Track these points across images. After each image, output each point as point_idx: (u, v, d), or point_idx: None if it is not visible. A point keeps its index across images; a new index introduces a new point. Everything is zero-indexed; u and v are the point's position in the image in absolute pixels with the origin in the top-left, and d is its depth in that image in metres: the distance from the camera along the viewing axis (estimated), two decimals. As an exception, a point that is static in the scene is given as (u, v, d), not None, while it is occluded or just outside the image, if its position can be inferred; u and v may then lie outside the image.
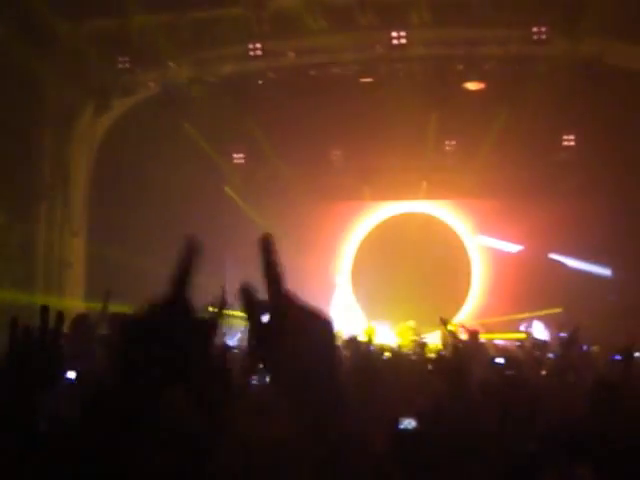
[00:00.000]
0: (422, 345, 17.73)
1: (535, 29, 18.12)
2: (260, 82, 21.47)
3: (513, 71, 20.15)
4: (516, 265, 25.40)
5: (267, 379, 4.65)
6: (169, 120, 21.46)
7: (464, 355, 10.00)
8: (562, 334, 20.02)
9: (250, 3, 18.58)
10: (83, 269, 22.09)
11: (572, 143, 23.00)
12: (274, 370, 2.06)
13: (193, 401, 2.48)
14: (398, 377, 8.76)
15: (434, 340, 20.41)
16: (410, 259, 25.70)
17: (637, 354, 11.56)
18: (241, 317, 2.23)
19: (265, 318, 2.04)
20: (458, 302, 26.48)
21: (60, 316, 6.37)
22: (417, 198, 26.55)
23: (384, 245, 26.84)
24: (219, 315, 10.53)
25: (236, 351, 9.82)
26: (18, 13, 17.74)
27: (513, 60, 19.86)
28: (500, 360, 11.36)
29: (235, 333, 17.17)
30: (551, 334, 22.05)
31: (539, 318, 23.52)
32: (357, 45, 19.92)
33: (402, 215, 27.52)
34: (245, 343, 5.06)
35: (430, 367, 8.95)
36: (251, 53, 19.30)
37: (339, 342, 13.97)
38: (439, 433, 5.39)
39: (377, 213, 27.81)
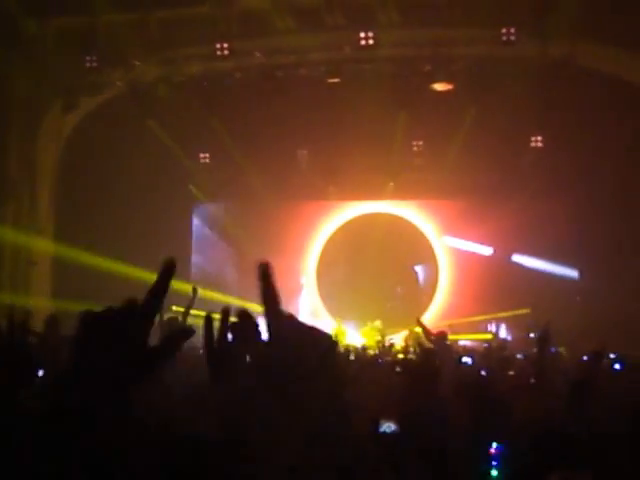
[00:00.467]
0: (389, 346, 17.76)
1: (504, 30, 18.14)
2: (227, 82, 21.39)
3: (481, 72, 20.15)
4: (483, 266, 25.46)
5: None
6: (135, 119, 21.38)
7: (432, 356, 9.98)
8: (531, 335, 20.19)
9: (217, 2, 18.47)
10: (49, 267, 21.95)
11: (540, 144, 23.06)
12: (275, 386, 2.08)
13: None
14: (367, 379, 8.73)
15: (398, 341, 20.46)
16: (376, 260, 25.72)
17: (612, 355, 11.68)
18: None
19: (265, 337, 2.09)
20: (424, 303, 26.51)
21: (26, 315, 6.26)
22: (383, 198, 26.54)
23: (350, 245, 26.84)
24: (185, 315, 10.47)
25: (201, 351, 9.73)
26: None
27: (481, 61, 19.91)
28: (467, 359, 11.39)
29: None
30: (518, 335, 22.16)
31: (505, 319, 23.63)
32: (325, 45, 19.89)
33: (368, 215, 27.53)
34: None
35: (398, 369, 8.92)
36: (218, 53, 19.19)
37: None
38: (413, 435, 5.37)
39: (343, 213, 27.79)
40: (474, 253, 26.17)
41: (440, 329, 15.58)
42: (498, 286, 23.99)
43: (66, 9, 18.40)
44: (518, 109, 20.06)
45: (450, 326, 19.86)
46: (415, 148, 24.19)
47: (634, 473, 4.70)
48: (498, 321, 23.99)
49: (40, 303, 20.27)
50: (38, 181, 21.85)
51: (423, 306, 26.27)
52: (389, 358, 14.44)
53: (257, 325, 4.31)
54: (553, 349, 13.89)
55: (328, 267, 27.42)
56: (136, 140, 21.68)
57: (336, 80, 20.78)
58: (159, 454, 3.34)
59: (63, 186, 22.24)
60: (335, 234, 27.77)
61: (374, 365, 12.13)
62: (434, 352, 11.35)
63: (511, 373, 10.66)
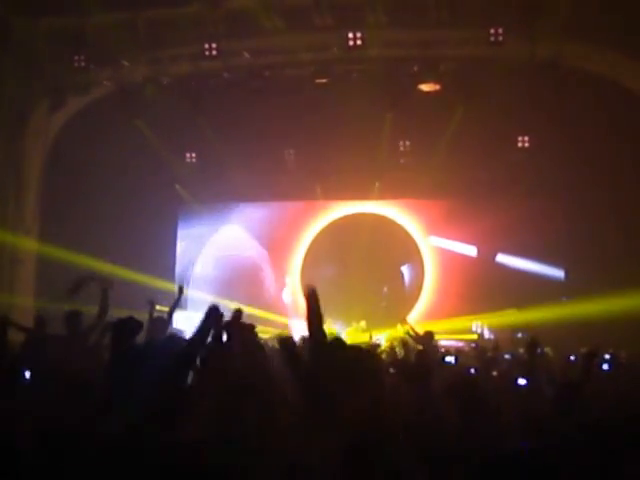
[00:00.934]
0: (375, 346, 17.77)
1: (492, 31, 18.19)
2: (215, 82, 21.40)
3: (469, 73, 20.23)
4: (469, 266, 25.49)
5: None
6: (123, 119, 21.38)
7: (425, 357, 10.03)
8: (518, 335, 20.26)
9: (205, 3, 18.48)
10: (34, 267, 21.93)
11: (527, 144, 23.14)
12: (318, 402, 2.15)
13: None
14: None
15: (383, 341, 20.46)
16: (362, 259, 25.74)
17: (607, 356, 11.75)
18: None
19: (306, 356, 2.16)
20: (410, 303, 26.53)
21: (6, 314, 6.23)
22: (370, 198, 26.55)
23: (335, 245, 26.81)
24: (171, 314, 10.52)
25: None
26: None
27: (469, 62, 19.97)
28: (450, 359, 11.43)
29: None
30: (505, 335, 22.21)
31: (493, 319, 23.66)
32: (313, 46, 19.92)
33: (354, 215, 27.50)
34: None
35: (392, 370, 8.93)
36: (206, 53, 19.20)
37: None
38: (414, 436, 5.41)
39: (329, 213, 27.77)
40: (460, 253, 26.18)
41: (427, 329, 15.63)
42: (484, 286, 24.02)
43: (55, 9, 18.37)
44: (505, 110, 20.17)
45: (435, 326, 19.89)
46: (402, 148, 24.23)
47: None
48: (485, 321, 24.02)
49: (24, 302, 20.27)
50: (24, 180, 21.82)
51: (408, 306, 26.27)
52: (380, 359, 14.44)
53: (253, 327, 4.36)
54: (539, 350, 13.95)
55: (313, 267, 27.39)
56: (123, 140, 21.67)
57: (324, 80, 20.80)
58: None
59: (49, 185, 22.23)
60: (321, 234, 27.73)
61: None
62: (426, 352, 11.40)
63: (494, 374, 10.70)
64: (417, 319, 24.08)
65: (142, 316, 9.52)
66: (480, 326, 24.03)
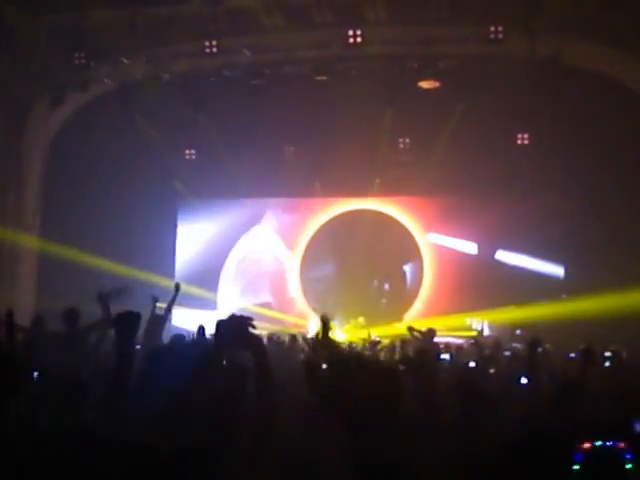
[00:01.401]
0: (375, 343, 17.77)
1: (491, 28, 18.21)
2: (215, 79, 21.41)
3: (468, 70, 20.23)
4: (468, 263, 25.48)
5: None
6: (123, 115, 21.37)
7: (429, 353, 10.06)
8: (517, 332, 20.27)
9: (206, 0, 18.50)
10: (35, 263, 21.96)
11: (526, 142, 23.16)
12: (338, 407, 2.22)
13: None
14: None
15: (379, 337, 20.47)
16: (361, 256, 25.77)
17: (608, 353, 11.77)
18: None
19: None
20: (409, 300, 26.55)
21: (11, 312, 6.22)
22: (369, 195, 26.55)
23: (335, 242, 26.82)
24: (168, 310, 10.56)
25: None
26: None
27: (469, 59, 19.98)
28: (445, 356, 11.47)
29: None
30: (504, 332, 22.22)
31: (492, 316, 23.67)
32: (313, 43, 19.93)
33: (353, 212, 27.48)
34: None
35: (401, 367, 8.95)
36: (206, 50, 19.22)
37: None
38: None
39: (328, 209, 27.76)
40: (459, 250, 26.17)
41: (429, 327, 15.64)
42: (483, 283, 24.02)
43: (55, 6, 18.39)
44: (505, 107, 20.17)
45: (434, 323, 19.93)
46: (401, 145, 24.26)
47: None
48: (484, 318, 24.04)
49: (25, 299, 20.31)
50: (24, 177, 21.85)
51: (407, 303, 26.31)
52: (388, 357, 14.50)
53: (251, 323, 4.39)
54: (540, 348, 13.97)
55: (312, 263, 27.40)
56: (123, 137, 21.69)
57: (324, 78, 20.81)
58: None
59: (49, 182, 22.26)
60: (320, 231, 27.73)
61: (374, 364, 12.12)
62: (429, 349, 11.43)
63: (492, 371, 10.71)
64: (416, 316, 24.15)
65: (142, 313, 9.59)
66: (479, 323, 24.05)
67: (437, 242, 26.78)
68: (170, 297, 11.63)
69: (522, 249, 24.67)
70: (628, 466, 4.34)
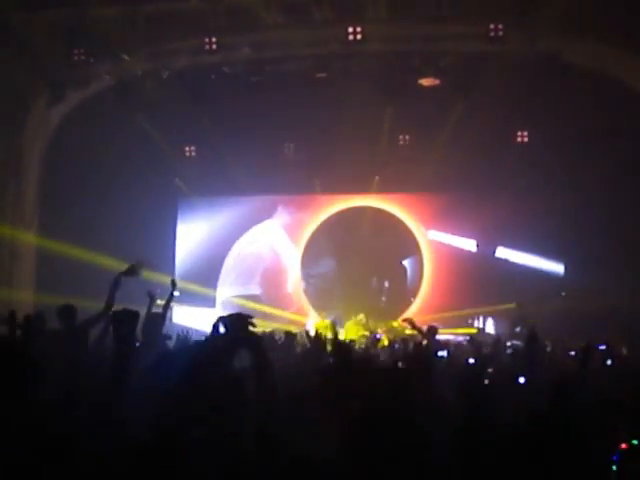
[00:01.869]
0: (375, 341, 17.79)
1: (491, 26, 18.19)
2: (214, 76, 21.39)
3: (468, 68, 20.22)
4: (468, 260, 25.48)
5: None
6: (122, 112, 21.35)
7: (425, 350, 10.08)
8: (517, 329, 20.27)
9: (206, -4, 18.53)
10: (34, 261, 21.95)
11: (526, 139, 23.17)
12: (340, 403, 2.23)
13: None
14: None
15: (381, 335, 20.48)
16: (361, 253, 25.78)
17: (602, 347, 11.76)
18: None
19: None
20: (409, 297, 26.56)
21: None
22: (369, 192, 26.55)
23: (335, 239, 26.80)
24: (166, 308, 10.54)
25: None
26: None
27: (469, 57, 19.97)
28: (442, 353, 11.47)
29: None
30: (504, 329, 22.23)
31: (496, 313, 23.68)
32: (313, 40, 19.94)
33: (353, 209, 27.48)
34: None
35: (400, 364, 8.94)
36: (206, 47, 19.20)
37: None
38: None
39: (328, 206, 27.75)
40: (459, 247, 26.17)
41: (430, 324, 15.65)
42: (483, 280, 24.01)
43: (55, 2, 18.40)
44: (505, 105, 20.17)
45: (434, 320, 19.93)
46: (401, 142, 24.25)
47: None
48: (483, 315, 24.05)
49: (24, 296, 20.31)
50: (24, 174, 21.84)
51: (407, 300, 26.33)
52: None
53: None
54: (542, 345, 13.99)
55: (312, 260, 27.40)
56: (123, 134, 21.70)
57: (324, 75, 20.80)
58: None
59: (49, 179, 22.25)
60: (320, 228, 27.72)
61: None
62: (422, 345, 11.44)
63: (490, 370, 10.68)
64: (416, 313, 24.11)
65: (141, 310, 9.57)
66: (479, 320, 24.08)
67: (437, 239, 26.78)
68: (167, 294, 11.61)
69: (522, 246, 24.67)
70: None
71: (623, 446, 4.71)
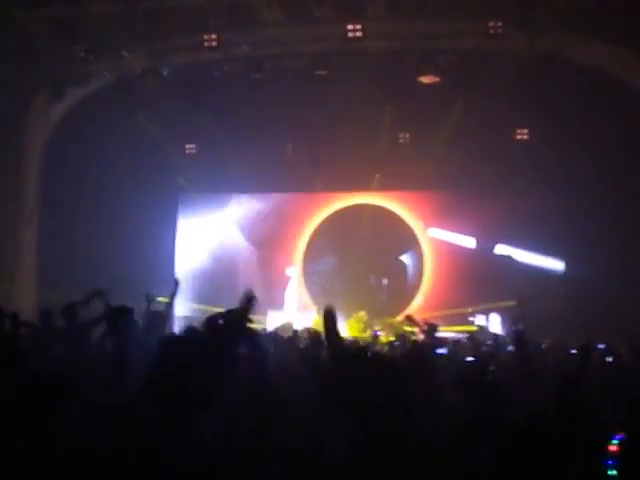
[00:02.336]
0: (375, 337, 17.80)
1: (491, 23, 18.19)
2: (214, 73, 21.40)
3: (468, 65, 20.22)
4: (468, 258, 25.43)
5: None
6: (122, 109, 21.35)
7: (424, 347, 10.07)
8: (517, 326, 20.25)
9: (206, -6, 18.53)
10: (34, 258, 21.94)
11: (526, 137, 23.14)
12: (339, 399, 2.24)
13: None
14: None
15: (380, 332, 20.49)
16: (361, 251, 25.77)
17: (601, 346, 11.74)
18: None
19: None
20: (409, 294, 26.55)
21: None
22: (370, 190, 26.53)
23: (336, 237, 26.79)
24: (169, 305, 10.52)
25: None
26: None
27: (468, 54, 19.97)
28: (442, 350, 11.47)
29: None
30: (507, 327, 22.24)
31: (496, 311, 23.66)
32: (312, 38, 19.94)
33: (354, 207, 27.46)
34: None
35: (400, 361, 8.93)
36: (206, 44, 19.21)
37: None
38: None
39: (329, 205, 27.74)
40: (459, 245, 26.15)
41: (431, 321, 15.62)
42: (483, 278, 23.98)
43: (54, -1, 18.43)
44: (504, 102, 20.16)
45: (434, 318, 19.92)
46: (401, 140, 24.21)
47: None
48: (484, 313, 24.02)
49: (25, 294, 20.31)
50: (24, 171, 21.84)
51: (408, 298, 26.32)
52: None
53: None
54: (542, 345, 14.03)
55: (314, 258, 27.41)
56: (123, 131, 21.69)
57: (323, 72, 20.79)
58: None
59: (49, 177, 22.24)
60: (321, 226, 27.71)
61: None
62: (426, 343, 11.42)
63: (490, 368, 10.65)
64: (416, 310, 24.09)
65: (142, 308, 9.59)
66: (479, 318, 24.06)
67: (437, 237, 26.77)
68: (170, 293, 11.57)
69: (522, 244, 24.64)
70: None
71: (614, 449, 4.72)
